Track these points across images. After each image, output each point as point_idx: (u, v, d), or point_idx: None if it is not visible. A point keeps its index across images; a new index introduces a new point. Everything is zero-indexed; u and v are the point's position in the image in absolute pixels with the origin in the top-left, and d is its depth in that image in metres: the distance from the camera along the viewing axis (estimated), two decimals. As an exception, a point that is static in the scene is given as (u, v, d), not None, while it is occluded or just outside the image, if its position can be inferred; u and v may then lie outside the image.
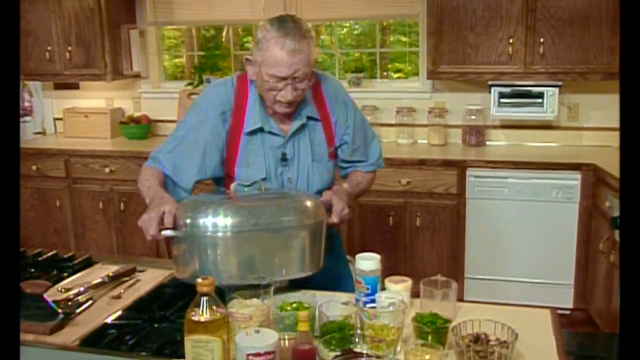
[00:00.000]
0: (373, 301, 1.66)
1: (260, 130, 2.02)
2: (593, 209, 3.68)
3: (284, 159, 2.05)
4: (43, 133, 5.18)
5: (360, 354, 1.39)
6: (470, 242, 3.93)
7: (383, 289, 1.74)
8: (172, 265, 1.87)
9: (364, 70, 4.92)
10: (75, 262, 2.15)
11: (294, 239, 1.80)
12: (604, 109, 4.19)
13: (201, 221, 1.73)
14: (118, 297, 1.85)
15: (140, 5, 4.89)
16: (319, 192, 2.05)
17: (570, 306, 3.84)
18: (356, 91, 4.40)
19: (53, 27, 4.62)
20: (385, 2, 4.46)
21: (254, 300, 1.60)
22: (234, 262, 1.75)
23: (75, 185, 4.54)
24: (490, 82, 4.08)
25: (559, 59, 3.88)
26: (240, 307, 1.57)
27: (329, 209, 1.94)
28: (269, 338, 1.36)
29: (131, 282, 1.97)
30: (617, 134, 4.10)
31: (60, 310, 1.70)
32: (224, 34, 5.20)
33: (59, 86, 5.13)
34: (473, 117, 4.30)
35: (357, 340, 1.47)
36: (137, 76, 4.93)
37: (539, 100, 4.01)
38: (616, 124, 4.11)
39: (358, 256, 1.77)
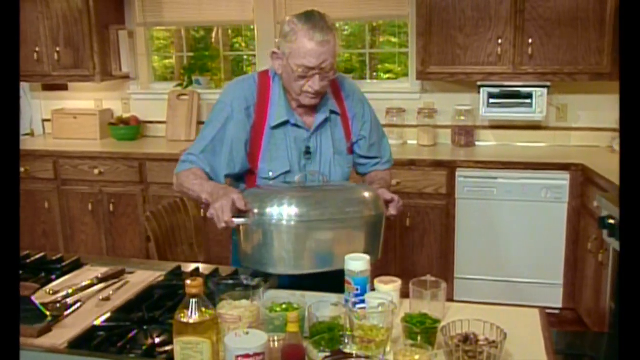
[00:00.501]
0: (362, 302, 1.66)
1: (285, 124, 2.07)
2: (582, 208, 3.70)
3: (307, 152, 2.10)
4: (31, 134, 5.15)
5: (350, 355, 1.39)
6: (460, 242, 3.94)
7: (373, 289, 1.75)
8: (239, 254, 1.92)
9: (354, 71, 4.93)
10: (64, 264, 2.13)
11: (357, 230, 1.87)
12: (592, 110, 4.22)
13: (272, 209, 1.79)
14: (107, 299, 1.84)
15: (129, 6, 4.88)
16: None
17: (560, 305, 3.86)
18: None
19: (41, 27, 4.59)
20: (375, 3, 4.46)
21: (244, 301, 1.60)
22: (301, 250, 1.81)
23: (64, 186, 4.52)
24: (479, 83, 4.10)
25: (547, 59, 3.90)
26: (230, 309, 1.56)
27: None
28: (259, 339, 1.36)
29: (120, 284, 1.96)
30: (605, 134, 4.14)
31: (48, 313, 1.68)
32: (213, 35, 5.19)
33: (48, 87, 5.10)
34: (462, 117, 4.32)
35: (346, 341, 1.46)
36: (126, 77, 4.91)
37: (528, 101, 4.03)
38: (604, 124, 4.16)
39: (347, 257, 1.76)
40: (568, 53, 3.87)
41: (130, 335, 1.60)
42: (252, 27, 4.79)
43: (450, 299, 1.82)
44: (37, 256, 2.21)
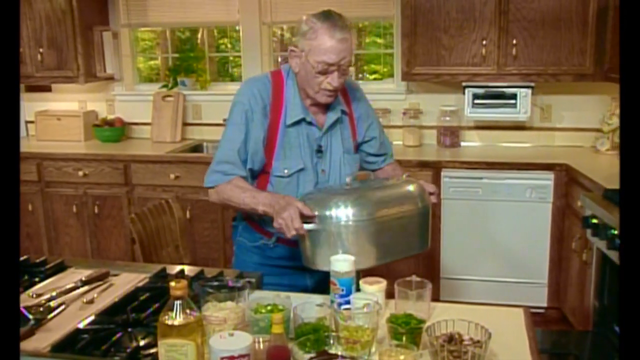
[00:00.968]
0: (348, 302, 1.66)
1: (300, 122, 2.11)
2: (566, 208, 3.72)
3: (319, 150, 2.14)
4: (15, 136, 5.10)
5: (335, 356, 1.40)
6: (446, 242, 3.96)
7: (358, 290, 1.75)
8: (304, 259, 1.97)
9: (340, 72, 4.92)
10: (47, 267, 2.11)
11: (413, 222, 2.00)
12: (575, 110, 4.26)
13: (338, 212, 1.87)
14: (91, 301, 1.83)
15: (113, 7, 4.85)
16: None
17: (545, 305, 3.89)
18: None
19: (24, 28, 4.55)
20: (360, 4, 4.47)
21: (229, 303, 1.60)
22: (367, 247, 1.90)
23: (48, 189, 4.48)
24: (464, 84, 4.11)
25: (531, 60, 3.93)
26: (215, 310, 1.56)
27: None
28: (243, 341, 1.36)
29: (104, 286, 1.95)
30: (588, 134, 4.18)
31: (31, 316, 1.67)
32: (199, 36, 5.17)
33: (31, 89, 5.06)
34: (447, 118, 4.33)
35: (331, 341, 1.47)
36: (111, 78, 4.89)
37: (512, 101, 4.06)
38: (588, 124, 4.20)
39: (332, 258, 1.77)
40: (551, 54, 3.90)
41: (115, 338, 1.59)
42: (237, 28, 4.78)
43: (436, 299, 1.83)
44: (21, 259, 2.18)
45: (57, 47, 4.55)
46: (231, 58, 5.15)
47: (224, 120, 2.29)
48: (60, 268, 2.12)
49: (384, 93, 4.55)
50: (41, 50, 4.56)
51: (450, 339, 1.47)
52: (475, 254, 3.94)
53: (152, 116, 4.80)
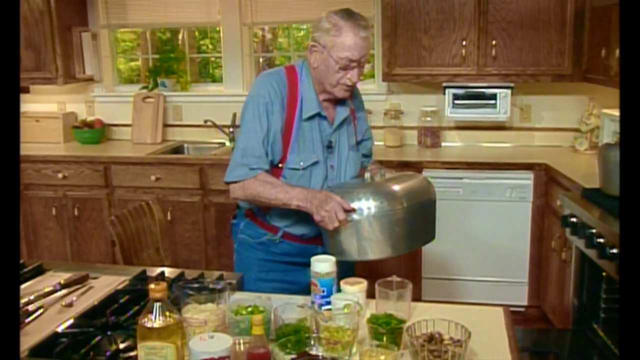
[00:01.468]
0: (329, 303, 1.67)
1: (315, 116, 2.15)
2: (545, 207, 3.76)
3: (329, 146, 2.19)
4: (-8, 138, 5.04)
5: (316, 357, 1.40)
6: (427, 242, 3.97)
7: (339, 291, 1.75)
8: (335, 251, 2.00)
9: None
10: (26, 270, 2.09)
11: (430, 211, 2.15)
12: (554, 110, 4.30)
13: (373, 204, 1.95)
14: (70, 305, 1.81)
15: (92, 8, 4.81)
16: None
17: (525, 303, 3.92)
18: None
19: (1, 29, 4.49)
20: (341, 4, 4.45)
21: (209, 304, 1.59)
22: (398, 236, 2.00)
23: (27, 191, 4.43)
24: (444, 84, 4.14)
25: (510, 61, 3.96)
26: (195, 312, 1.55)
27: None
28: (223, 343, 1.36)
29: (84, 289, 1.93)
30: (567, 134, 4.22)
31: (9, 320, 1.65)
32: (180, 36, 5.15)
33: (9, 90, 5.00)
34: (428, 118, 4.35)
35: (312, 342, 1.47)
36: (91, 80, 4.85)
37: (492, 102, 4.09)
38: (566, 124, 4.24)
39: (313, 258, 1.77)
40: (530, 54, 3.94)
41: (94, 341, 1.58)
42: (218, 29, 4.77)
43: (417, 299, 1.83)
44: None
45: (35, 48, 4.49)
46: (212, 59, 5.14)
47: (234, 122, 2.28)
48: (39, 271, 2.10)
49: (365, 94, 4.42)
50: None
51: (431, 338, 1.47)
52: (457, 254, 3.96)
53: (132, 117, 4.77)
